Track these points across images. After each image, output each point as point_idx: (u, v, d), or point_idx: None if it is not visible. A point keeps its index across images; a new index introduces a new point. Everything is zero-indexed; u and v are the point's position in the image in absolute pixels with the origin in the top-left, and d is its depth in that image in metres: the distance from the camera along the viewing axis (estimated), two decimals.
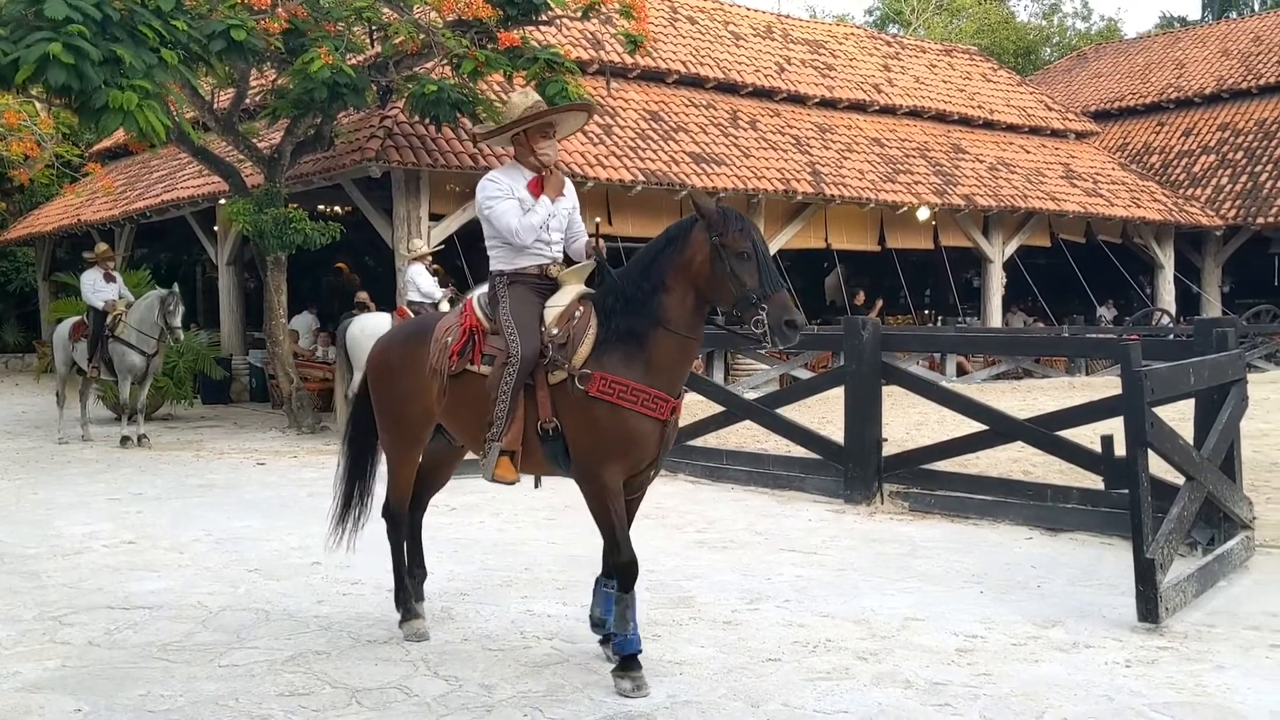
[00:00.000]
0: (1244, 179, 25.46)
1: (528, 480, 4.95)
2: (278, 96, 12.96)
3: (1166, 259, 24.24)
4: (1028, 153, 23.51)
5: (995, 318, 21.97)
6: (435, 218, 15.29)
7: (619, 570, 4.59)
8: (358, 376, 12.16)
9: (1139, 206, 23.05)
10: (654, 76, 19.66)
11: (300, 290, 19.01)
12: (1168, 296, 24.16)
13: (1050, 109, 25.72)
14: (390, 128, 14.57)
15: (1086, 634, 5.15)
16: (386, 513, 5.34)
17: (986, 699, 4.33)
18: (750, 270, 4.41)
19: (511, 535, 7.52)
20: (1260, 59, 28.62)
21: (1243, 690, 4.36)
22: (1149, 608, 5.14)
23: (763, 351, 17.41)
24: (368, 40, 13.37)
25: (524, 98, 4.96)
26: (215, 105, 13.79)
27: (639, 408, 4.47)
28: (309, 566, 6.53)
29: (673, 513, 8.20)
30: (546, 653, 4.96)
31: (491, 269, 4.98)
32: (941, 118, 23.04)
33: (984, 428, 7.99)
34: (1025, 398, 16.15)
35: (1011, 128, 24.08)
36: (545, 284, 4.87)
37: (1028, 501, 7.62)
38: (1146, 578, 5.15)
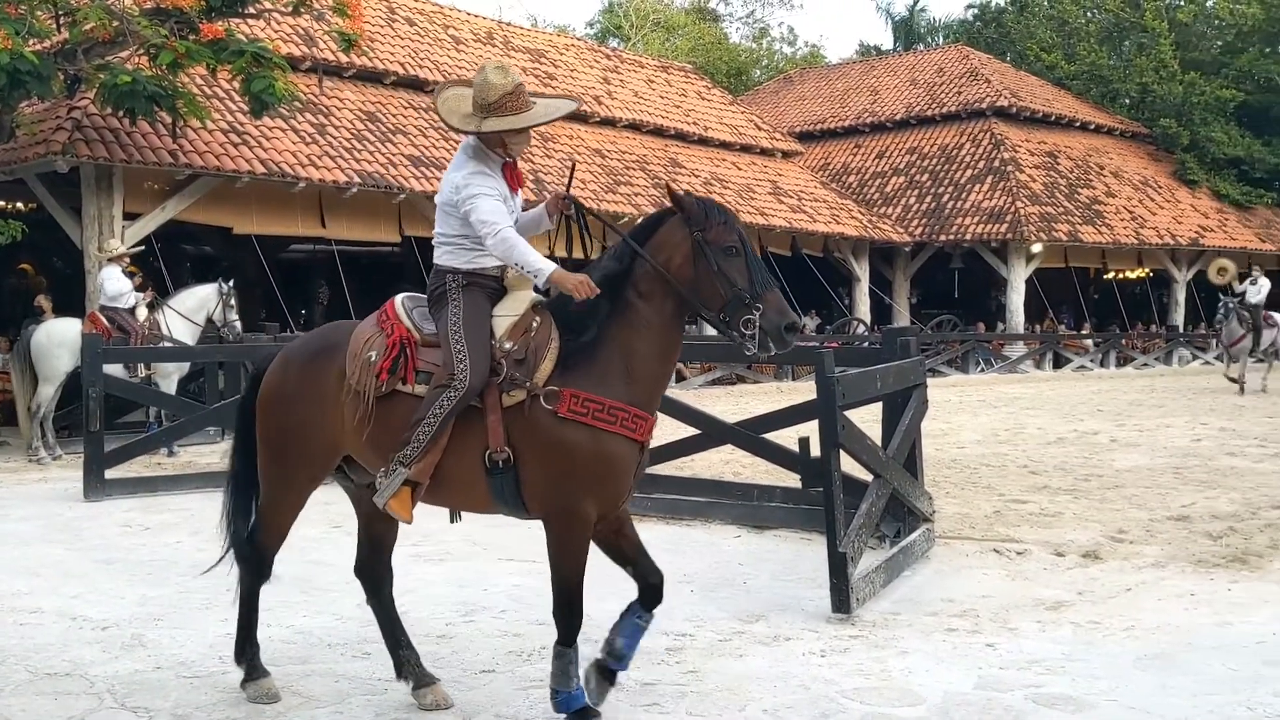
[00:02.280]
0: (929, 199, 27.71)
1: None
2: None
3: (862, 272, 26.00)
4: (739, 169, 24.62)
5: (709, 326, 22.81)
6: (130, 216, 14.29)
7: (569, 626, 4.08)
8: (46, 390, 11.24)
9: (838, 223, 24.62)
10: (371, 77, 19.22)
11: None
12: (864, 307, 25.93)
13: (760, 128, 27.06)
14: (79, 120, 13.51)
15: (787, 627, 5.40)
16: (249, 552, 4.49)
17: (693, 696, 4.45)
18: (739, 267, 3.93)
19: (211, 555, 7.06)
20: (943, 89, 31.26)
21: (921, 673, 4.69)
22: (841, 599, 5.46)
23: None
24: (54, 25, 12.32)
25: (502, 76, 4.15)
26: None
27: (617, 429, 3.87)
28: None
29: None
30: None
31: (441, 265, 4.21)
32: (659, 132, 23.77)
33: (697, 432, 8.27)
34: (738, 402, 16.90)
35: (724, 145, 25.15)
36: (498, 290, 4.20)
37: (737, 501, 7.94)
38: (839, 571, 5.47)
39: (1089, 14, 37.71)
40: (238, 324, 12.38)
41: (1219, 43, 36.12)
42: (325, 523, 8.03)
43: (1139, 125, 33.74)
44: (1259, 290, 19.76)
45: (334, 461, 4.33)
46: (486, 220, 4.02)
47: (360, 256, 21.15)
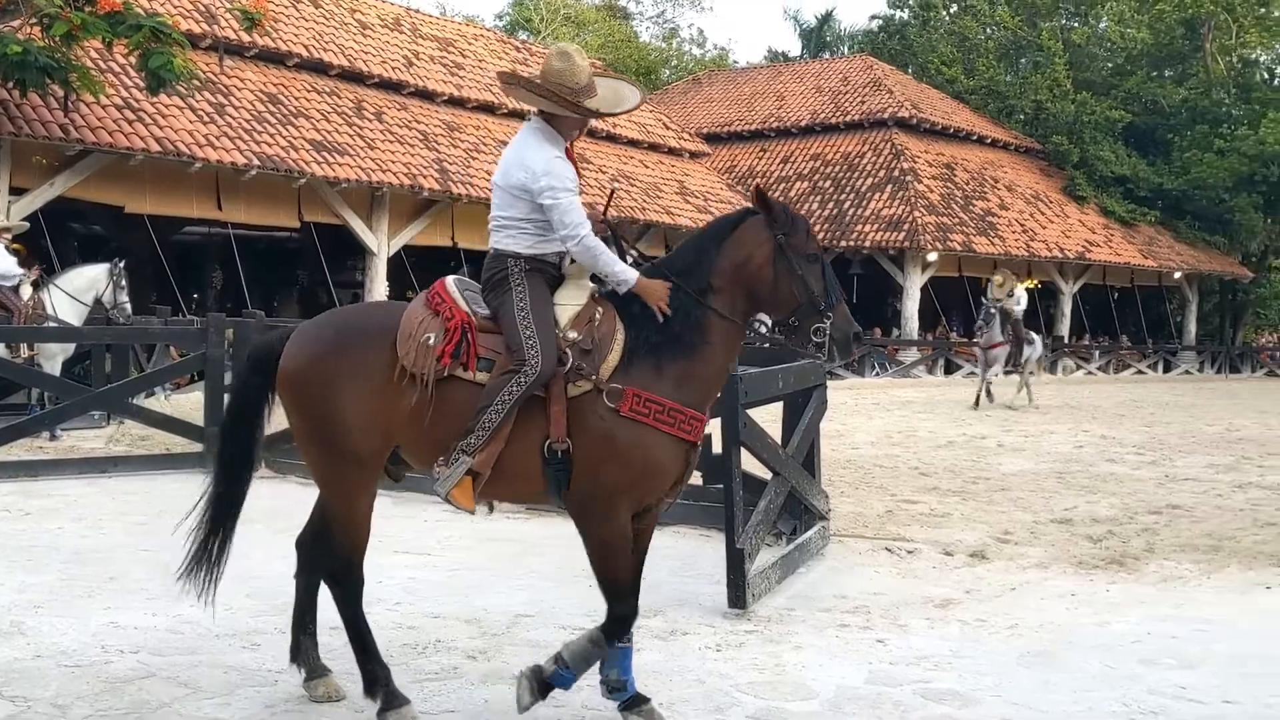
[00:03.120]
0: (831, 206, 28.18)
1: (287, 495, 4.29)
2: None
3: None
4: (647, 167, 24.71)
5: None
6: (17, 191, 13.77)
7: (618, 621, 4.00)
8: None
9: None
10: (273, 58, 18.80)
11: None
12: None
13: (668, 128, 27.20)
14: None
15: (683, 621, 5.44)
16: (343, 574, 4.17)
17: (589, 690, 4.45)
18: (817, 275, 3.94)
19: (96, 542, 6.87)
20: (847, 97, 31.81)
21: (815, 667, 4.78)
22: (738, 594, 5.52)
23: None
24: None
25: (582, 59, 4.13)
26: None
27: (675, 430, 3.82)
28: None
29: (280, 516, 7.78)
30: (131, 667, 4.55)
31: (502, 248, 4.07)
32: None
33: None
34: None
35: (633, 143, 25.21)
36: (557, 277, 4.10)
37: None
38: (736, 566, 5.53)
39: (988, 30, 38.76)
40: (128, 306, 11.99)
41: (1109, 65, 37.45)
42: None
43: (1033, 141, 34.80)
44: (1018, 302, 19.38)
45: (389, 449, 4.04)
46: (571, 223, 3.93)
47: (257, 241, 20.68)
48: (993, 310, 18.72)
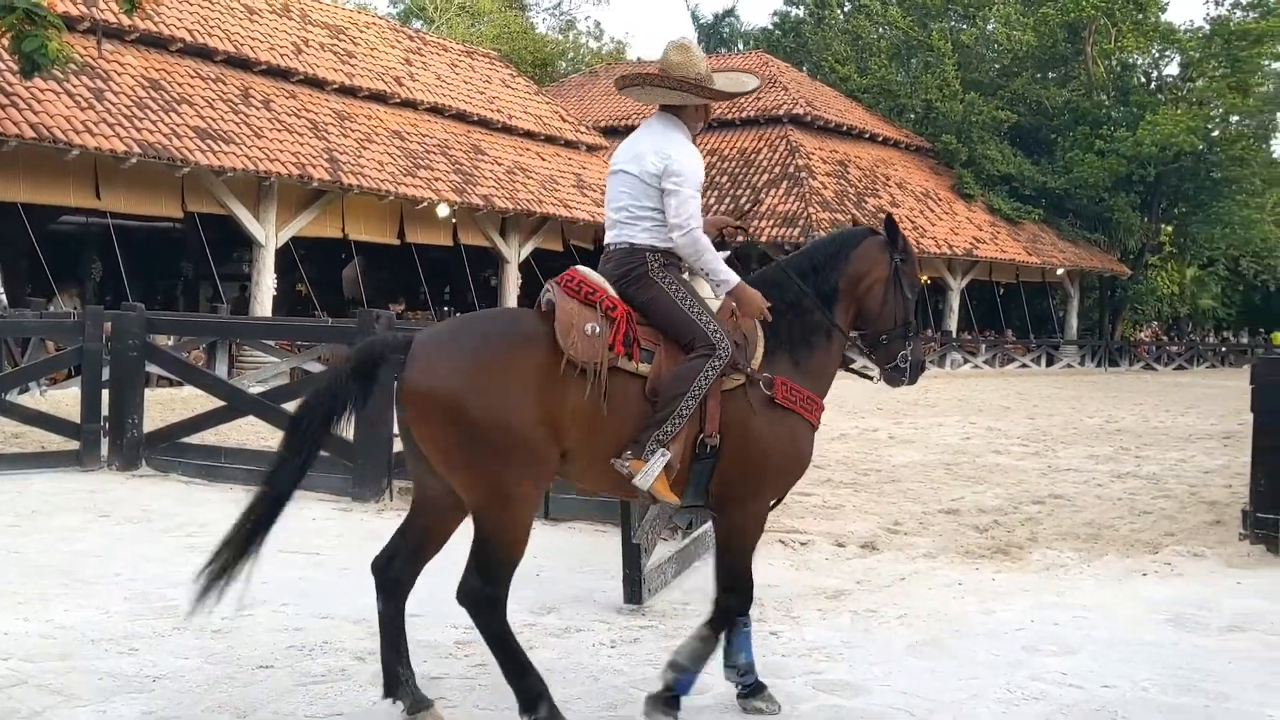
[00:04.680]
0: (728, 201, 28.39)
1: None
2: None
3: None
4: (543, 160, 24.57)
5: None
6: None
7: (727, 612, 4.13)
8: None
9: None
10: (155, 42, 18.19)
11: None
12: None
13: (565, 120, 27.09)
14: None
15: (578, 618, 5.40)
16: (494, 593, 3.83)
17: (481, 689, 4.40)
18: (913, 304, 4.35)
19: None
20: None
21: (711, 662, 4.77)
22: (634, 590, 5.51)
23: (270, 343, 16.68)
24: None
25: (695, 52, 4.21)
26: None
27: (813, 418, 4.07)
28: None
29: (160, 516, 7.57)
30: (2, 674, 4.34)
31: (638, 242, 4.05)
32: (462, 117, 23.45)
33: None
34: None
35: (529, 134, 25.05)
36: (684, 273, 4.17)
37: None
38: (632, 562, 5.51)
39: (881, 30, 39.47)
40: (2, 297, 11.47)
41: (997, 66, 38.47)
42: (89, 510, 7.55)
43: (923, 140, 35.58)
44: None
45: (559, 449, 3.81)
46: (686, 214, 3.98)
47: (138, 231, 19.99)
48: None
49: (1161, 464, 11.78)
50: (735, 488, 3.95)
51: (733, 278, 4.02)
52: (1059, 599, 6.05)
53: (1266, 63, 36.72)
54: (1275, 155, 44.08)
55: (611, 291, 3.93)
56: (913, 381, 4.46)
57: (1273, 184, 40.89)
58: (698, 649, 4.07)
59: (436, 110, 22.88)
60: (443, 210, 20.26)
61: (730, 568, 4.11)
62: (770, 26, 46.46)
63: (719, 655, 4.25)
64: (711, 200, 28.47)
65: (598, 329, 3.79)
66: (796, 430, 4.02)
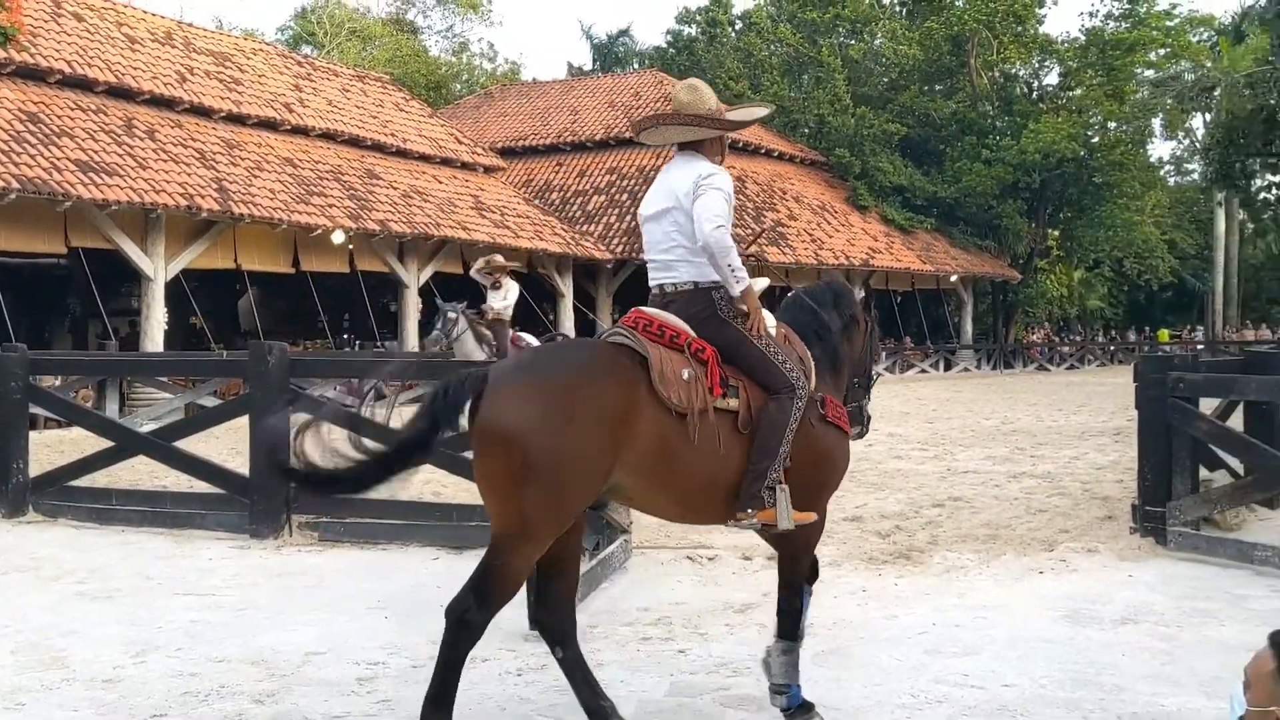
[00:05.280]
0: (629, 218, 28.46)
1: None
2: None
3: (566, 288, 26.38)
4: (440, 183, 24.37)
5: (412, 341, 22.45)
6: None
7: (795, 616, 4.34)
8: None
9: (542, 239, 24.86)
10: (32, 74, 17.63)
11: None
12: (569, 323, 26.31)
13: (461, 142, 26.92)
14: None
15: (483, 648, 5.28)
16: (483, 621, 3.87)
17: None
18: (874, 362, 4.81)
19: None
20: (640, 111, 32.20)
21: (616, 684, 4.74)
22: None
23: (164, 379, 16.25)
24: None
25: (704, 89, 4.42)
26: None
27: (849, 429, 4.42)
28: None
29: (49, 562, 7.28)
30: None
31: (702, 281, 4.17)
32: (355, 142, 23.16)
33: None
34: None
35: (424, 157, 24.83)
36: None
37: (436, 522, 7.78)
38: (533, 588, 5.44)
39: (772, 48, 40.07)
40: None
41: (885, 80, 39.31)
42: None
43: (817, 154, 36.18)
44: (503, 298, 14.29)
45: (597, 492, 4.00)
46: (715, 211, 4.06)
47: (20, 269, 19.30)
48: (452, 312, 13.64)
49: (1056, 462, 12.11)
50: (802, 499, 4.08)
51: (748, 280, 4.16)
52: (960, 601, 6.16)
53: (1139, 70, 38.13)
54: (1152, 159, 45.91)
55: (692, 333, 4.06)
56: (862, 435, 4.75)
57: (1150, 187, 42.51)
58: (787, 662, 4.26)
59: (329, 136, 22.56)
60: (338, 237, 19.95)
61: (792, 579, 4.38)
62: (664, 45, 46.86)
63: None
64: (613, 219, 28.56)
65: (693, 374, 3.93)
66: (842, 443, 4.38)
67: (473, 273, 14.92)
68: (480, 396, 3.77)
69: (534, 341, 14.14)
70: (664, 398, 3.83)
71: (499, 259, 14.87)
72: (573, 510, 3.88)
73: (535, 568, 4.03)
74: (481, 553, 7.32)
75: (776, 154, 34.10)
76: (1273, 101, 9.76)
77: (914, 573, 6.88)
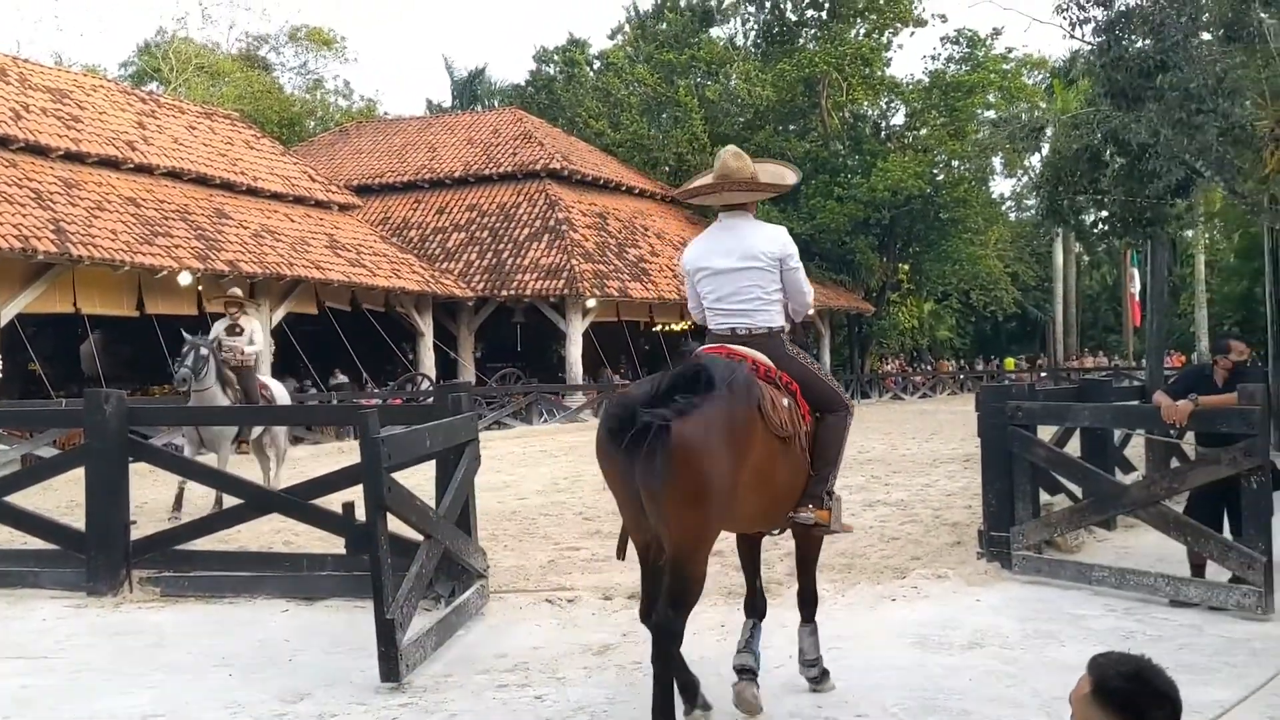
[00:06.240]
0: (490, 255, 28.35)
1: None
2: None
3: (426, 327, 26.03)
4: (293, 221, 23.83)
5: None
6: None
7: (816, 599, 5.32)
8: None
9: (400, 277, 24.49)
10: None
11: None
12: (429, 362, 25.94)
13: (314, 180, 26.40)
14: None
15: (333, 703, 5.15)
16: (681, 617, 4.44)
17: None
18: None
19: None
20: (499, 149, 32.23)
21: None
22: (390, 667, 5.30)
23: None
24: None
25: (746, 157, 5.11)
26: None
27: None
28: None
29: None
30: None
31: (774, 326, 4.94)
32: (204, 181, 22.49)
33: (239, 501, 7.79)
34: (295, 465, 16.16)
35: (276, 196, 24.27)
36: None
37: (286, 573, 7.52)
38: (387, 638, 5.31)
39: (630, 87, 40.58)
40: None
41: (741, 119, 40.15)
42: None
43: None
44: (250, 342, 12.21)
45: None
46: (808, 287, 5.16)
47: None
48: (203, 350, 11.24)
49: (909, 490, 12.43)
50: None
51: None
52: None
53: (979, 111, 39.87)
54: (994, 196, 47.98)
55: (776, 369, 4.76)
56: None
57: (993, 222, 44.35)
58: (815, 641, 5.19)
59: (175, 174, 21.84)
60: (185, 278, 19.27)
61: (812, 571, 5.31)
62: (523, 83, 46.98)
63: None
64: (473, 256, 28.37)
65: (788, 403, 4.67)
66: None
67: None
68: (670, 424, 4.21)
69: (280, 390, 13.27)
70: (774, 424, 4.54)
71: (237, 291, 13.07)
72: (728, 524, 4.75)
73: (645, 576, 4.74)
74: (334, 602, 7.18)
75: (638, 191, 34.45)
76: (1096, 142, 10.35)
77: (772, 605, 6.87)
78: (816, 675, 5.16)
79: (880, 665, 5.53)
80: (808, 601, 5.24)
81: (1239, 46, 7.60)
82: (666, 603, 4.36)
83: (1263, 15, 7.38)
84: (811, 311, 5.21)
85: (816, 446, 4.78)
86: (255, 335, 12.45)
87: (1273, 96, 7.05)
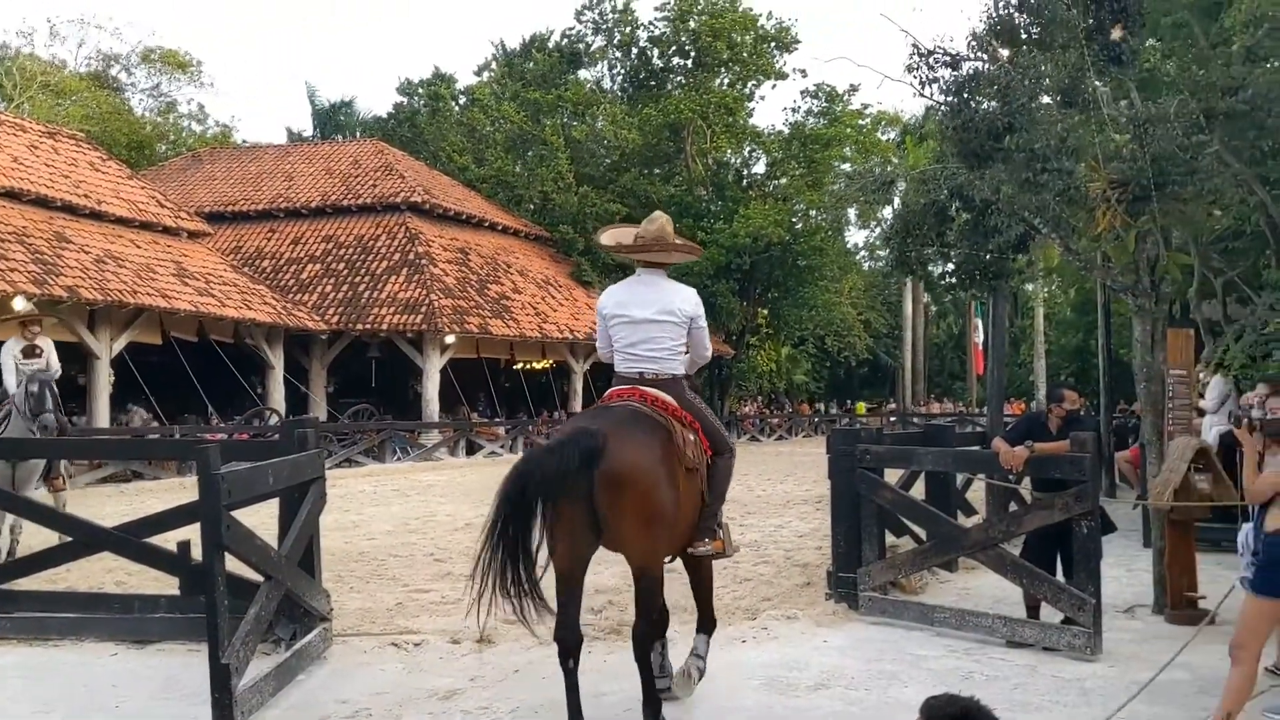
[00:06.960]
0: (346, 288, 27.77)
1: None
2: None
3: (277, 359, 25.28)
4: (139, 247, 22.94)
5: (104, 417, 20.80)
6: None
7: (713, 617, 6.02)
8: None
9: (250, 308, 23.76)
10: None
11: None
12: (279, 395, 25.17)
13: (163, 206, 25.49)
14: None
15: None
16: (653, 631, 5.41)
17: None
18: None
19: None
20: (359, 180, 31.71)
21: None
22: (224, 714, 5.07)
23: None
24: None
25: (669, 223, 5.74)
26: None
27: None
28: None
29: None
30: None
31: (677, 372, 5.54)
32: (43, 203, 21.46)
33: (69, 539, 7.38)
34: (132, 501, 15.46)
35: (121, 220, 23.31)
36: None
37: (116, 615, 7.15)
38: (221, 684, 5.08)
39: (496, 124, 40.53)
40: None
41: (607, 160, 40.49)
42: None
43: (541, 229, 36.69)
44: (47, 365, 10.84)
45: None
46: (709, 343, 5.77)
47: None
48: (53, 387, 10.59)
49: (762, 531, 12.59)
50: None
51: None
52: None
53: (836, 164, 41.16)
54: (849, 245, 49.50)
55: (683, 410, 5.35)
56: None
57: (847, 271, 45.74)
58: (705, 642, 5.89)
59: (12, 195, 20.77)
60: (19, 304, 18.26)
61: (708, 594, 5.94)
62: (386, 116, 46.43)
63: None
64: (329, 288, 27.76)
65: (694, 439, 5.29)
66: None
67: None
68: (603, 449, 4.84)
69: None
70: (686, 459, 5.15)
71: (31, 308, 11.53)
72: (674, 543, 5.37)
73: (568, 594, 5.09)
74: (167, 645, 6.84)
75: (501, 228, 34.32)
76: (943, 197, 10.81)
77: (624, 648, 6.86)
78: (702, 667, 5.84)
79: (729, 707, 5.56)
80: (707, 615, 5.97)
81: (1075, 111, 8.02)
82: (641, 615, 5.23)
83: (1097, 83, 7.80)
84: (708, 357, 5.80)
85: (711, 483, 5.41)
86: (52, 358, 11.11)
87: (1105, 160, 7.44)
